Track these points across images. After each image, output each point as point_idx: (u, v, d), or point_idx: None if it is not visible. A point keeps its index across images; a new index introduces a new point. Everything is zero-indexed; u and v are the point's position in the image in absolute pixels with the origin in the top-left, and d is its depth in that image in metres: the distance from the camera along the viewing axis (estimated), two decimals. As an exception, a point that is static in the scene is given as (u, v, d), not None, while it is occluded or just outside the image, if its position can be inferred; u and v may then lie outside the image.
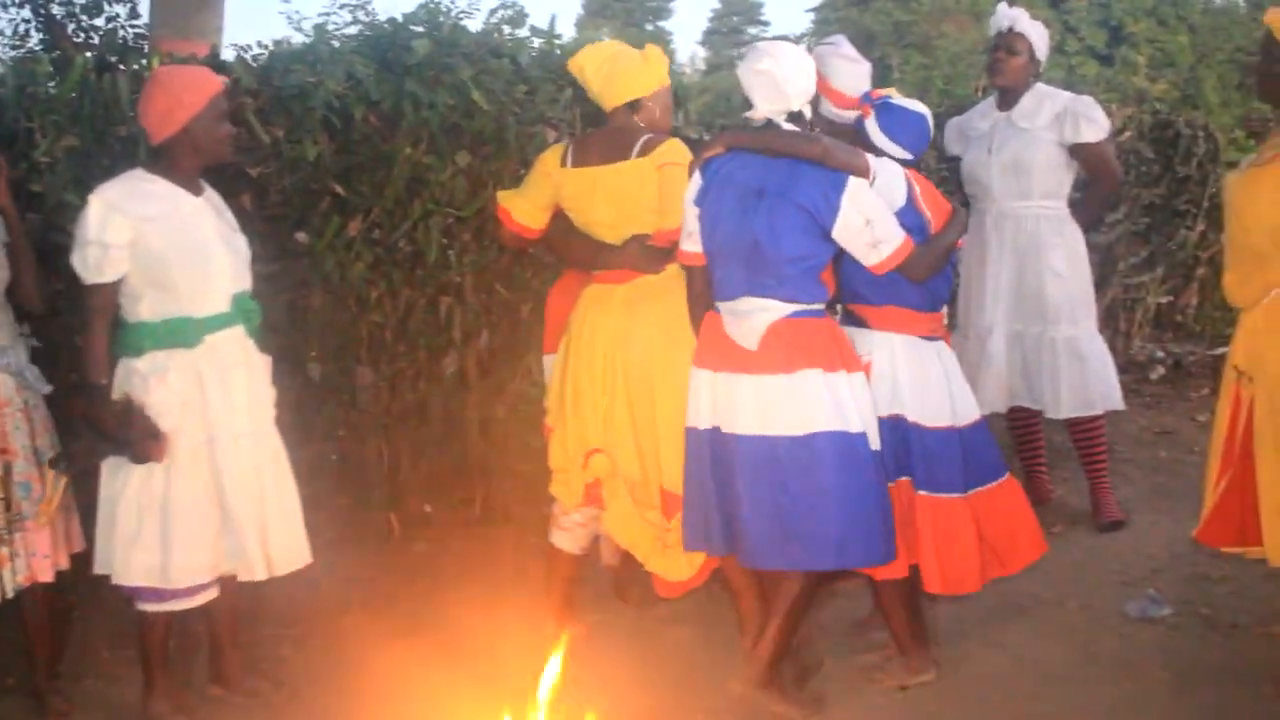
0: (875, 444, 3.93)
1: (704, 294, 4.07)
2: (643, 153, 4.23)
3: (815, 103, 4.14)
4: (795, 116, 4.00)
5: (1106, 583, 5.04)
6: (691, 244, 4.04)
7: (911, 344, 4.14)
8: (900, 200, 4.00)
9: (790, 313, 3.91)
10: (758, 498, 3.91)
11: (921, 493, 4.08)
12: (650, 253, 4.26)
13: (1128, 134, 8.21)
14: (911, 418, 4.07)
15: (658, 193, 4.22)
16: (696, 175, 4.04)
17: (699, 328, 4.09)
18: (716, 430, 3.99)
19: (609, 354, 4.31)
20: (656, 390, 4.25)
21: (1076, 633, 4.62)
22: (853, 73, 4.48)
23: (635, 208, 4.25)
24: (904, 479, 4.08)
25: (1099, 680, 4.23)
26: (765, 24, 48.89)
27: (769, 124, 4.00)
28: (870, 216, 3.88)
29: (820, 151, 3.87)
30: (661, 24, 48.56)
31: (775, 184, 3.89)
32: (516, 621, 4.52)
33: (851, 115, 4.32)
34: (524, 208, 4.47)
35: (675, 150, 4.24)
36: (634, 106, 4.33)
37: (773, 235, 3.87)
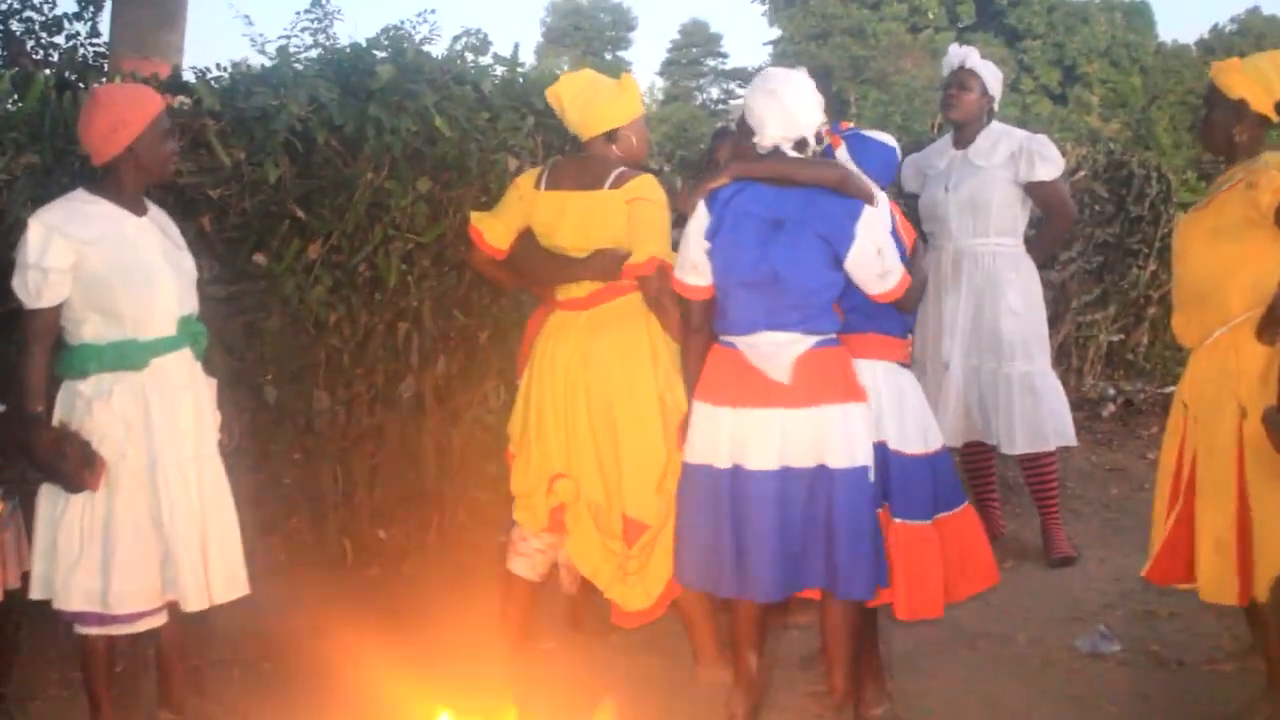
0: (872, 475, 3.97)
1: (703, 327, 4.05)
2: (615, 185, 4.26)
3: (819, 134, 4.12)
4: (801, 144, 4.00)
5: (1057, 618, 5.07)
6: (696, 277, 4.00)
7: (890, 370, 4.15)
8: (889, 227, 4.03)
9: (813, 344, 3.93)
10: (783, 530, 3.91)
11: (896, 520, 4.09)
12: (616, 260, 4.28)
13: (1082, 173, 8.31)
14: (893, 445, 4.07)
15: (627, 227, 4.24)
16: (702, 208, 3.98)
17: (695, 361, 4.07)
18: (738, 469, 3.95)
19: (570, 379, 4.32)
20: (617, 416, 4.27)
21: (1026, 667, 4.65)
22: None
23: (601, 236, 4.28)
24: (882, 506, 4.08)
25: (1048, 715, 4.26)
26: (724, 56, 49.31)
27: (776, 152, 3.99)
28: (880, 245, 3.92)
29: (841, 178, 3.90)
30: (621, 53, 48.85)
31: (793, 214, 3.89)
32: (470, 648, 4.52)
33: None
34: (496, 229, 4.50)
35: (647, 186, 4.26)
36: (611, 137, 4.36)
37: (794, 267, 3.87)
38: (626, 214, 4.24)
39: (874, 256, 3.90)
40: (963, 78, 5.68)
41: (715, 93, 48.47)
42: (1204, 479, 4.09)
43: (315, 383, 5.31)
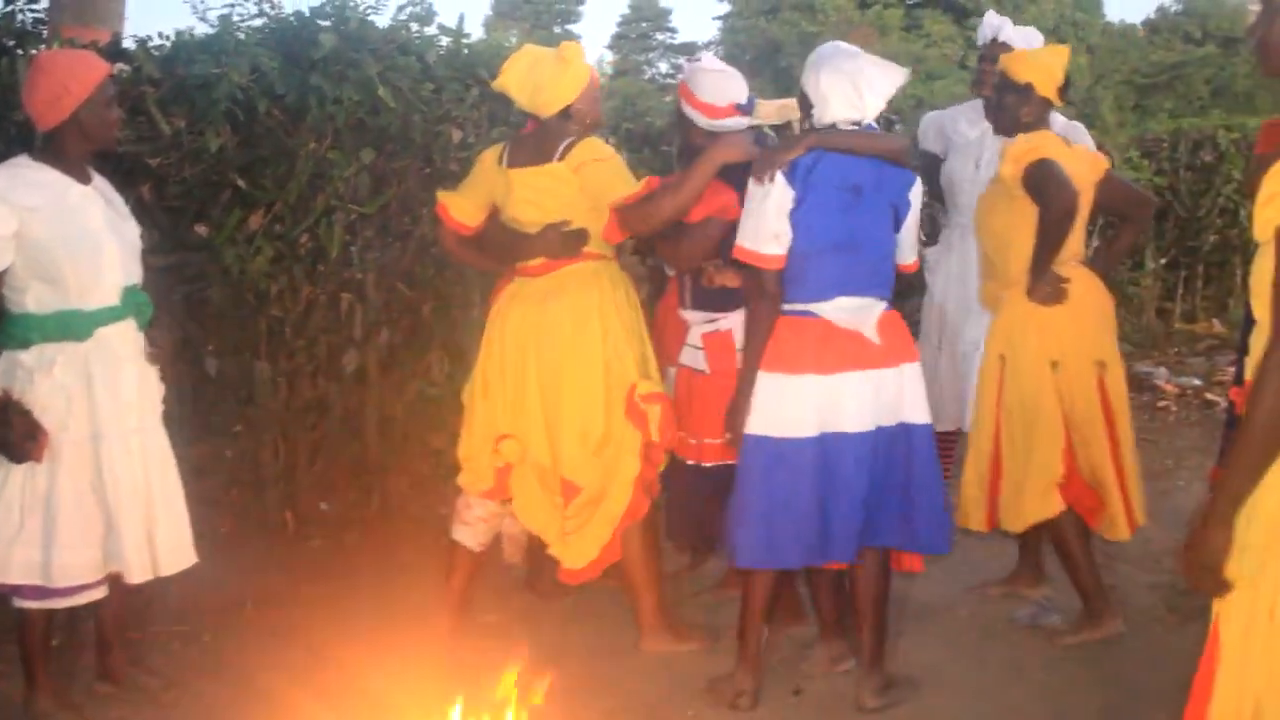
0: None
1: (778, 297, 4.02)
2: (562, 156, 4.26)
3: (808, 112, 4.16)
4: (857, 124, 4.04)
5: (995, 591, 5.11)
6: (776, 247, 3.96)
7: None
8: None
9: (885, 307, 4.08)
10: (869, 490, 3.99)
11: None
12: (566, 239, 4.29)
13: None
14: None
15: (580, 196, 4.26)
16: (782, 180, 3.95)
17: (766, 331, 4.01)
18: (827, 435, 3.96)
19: (521, 342, 4.34)
20: (564, 378, 4.28)
21: (967, 639, 4.70)
22: (717, 84, 4.60)
23: (553, 207, 4.29)
24: None
25: (989, 686, 4.30)
26: (673, 31, 49.32)
27: (834, 128, 4.02)
28: (919, 216, 4.20)
29: (902, 149, 4.12)
30: (570, 27, 48.72)
31: (868, 182, 4.00)
32: (411, 619, 4.52)
33: (725, 124, 4.54)
34: (461, 205, 4.50)
35: (590, 148, 4.27)
36: (565, 114, 4.33)
37: (872, 232, 4.02)
38: (576, 183, 4.24)
39: (915, 225, 4.17)
40: (995, 50, 5.38)
41: (664, 67, 48.43)
42: (1009, 419, 4.62)
43: (257, 354, 5.28)
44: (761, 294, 4.01)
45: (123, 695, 4.16)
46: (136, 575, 3.90)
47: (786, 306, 4.01)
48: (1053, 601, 4.94)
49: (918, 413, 4.07)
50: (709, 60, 4.70)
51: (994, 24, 5.58)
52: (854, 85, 3.98)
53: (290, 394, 5.42)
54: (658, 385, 4.42)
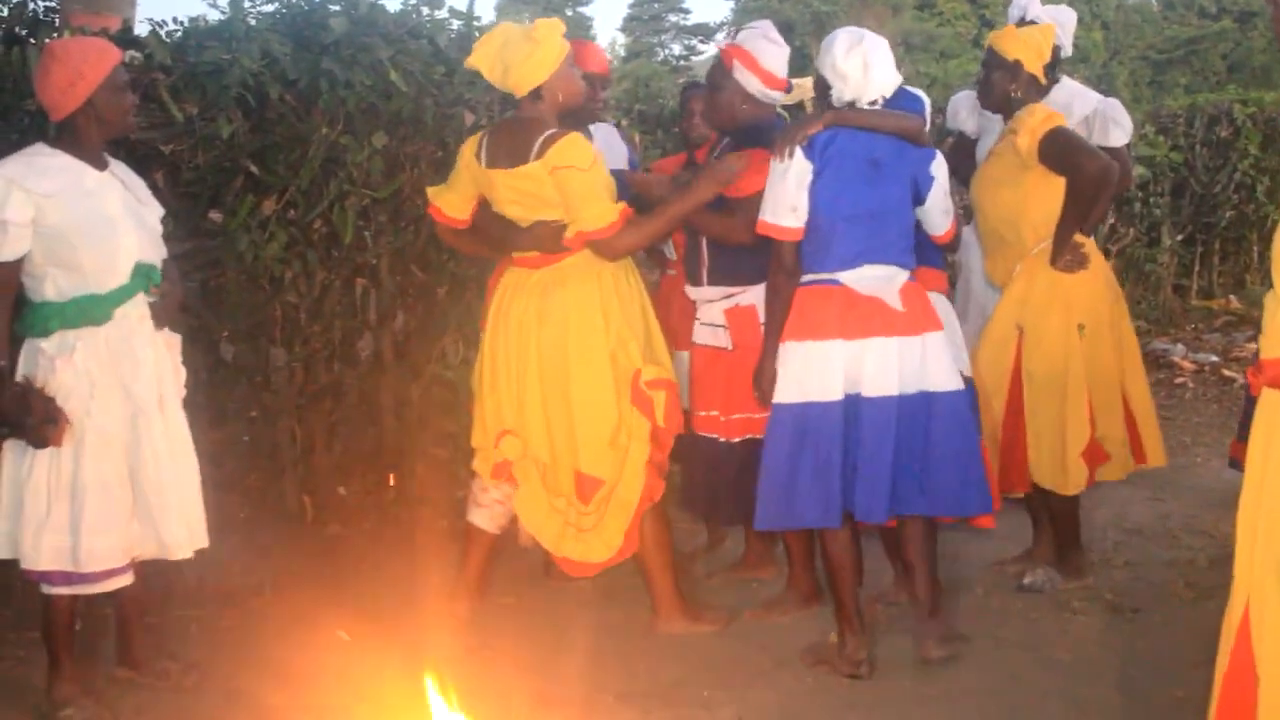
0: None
1: (795, 269, 4.12)
2: (539, 154, 4.18)
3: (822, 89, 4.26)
4: (873, 102, 4.15)
5: (1012, 569, 5.10)
6: (794, 219, 4.08)
7: (940, 300, 4.48)
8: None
9: (907, 276, 4.18)
10: (896, 454, 4.07)
11: None
12: (558, 235, 4.27)
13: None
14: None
15: (558, 195, 4.22)
16: (800, 154, 4.06)
17: (785, 302, 4.12)
18: (853, 398, 4.06)
19: (523, 337, 4.32)
20: (570, 374, 4.26)
21: (984, 616, 4.69)
22: (779, 56, 4.55)
23: (538, 207, 4.27)
24: None
25: (1004, 661, 4.29)
26: (686, 12, 49.06)
27: (851, 106, 4.13)
28: (946, 188, 4.33)
29: (918, 128, 4.22)
30: (582, 9, 48.48)
31: (887, 155, 4.13)
32: (429, 603, 4.53)
33: (775, 96, 4.52)
34: (452, 201, 4.49)
35: (568, 151, 4.18)
36: (536, 95, 4.27)
37: (893, 202, 4.16)
38: (553, 183, 4.20)
39: (943, 197, 4.32)
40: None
41: (677, 49, 48.30)
42: (1030, 382, 4.73)
43: (272, 340, 5.28)
44: (779, 266, 4.13)
45: (143, 680, 4.18)
46: (168, 553, 3.94)
47: (810, 276, 4.12)
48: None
49: (943, 381, 4.14)
50: (772, 30, 4.60)
51: (1023, 3, 5.57)
52: (865, 65, 4.09)
53: (306, 379, 5.42)
54: (664, 370, 4.41)
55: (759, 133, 4.43)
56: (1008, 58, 4.68)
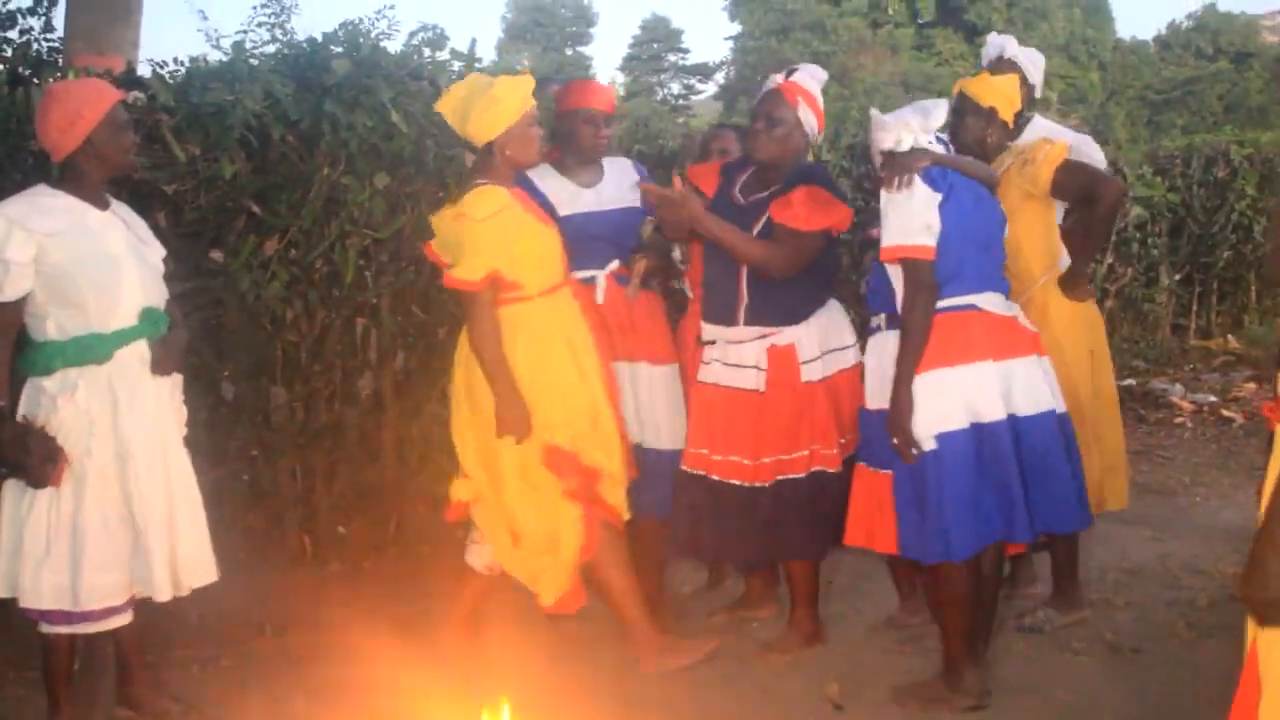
0: None
1: (935, 287, 4.08)
2: (455, 201, 4.33)
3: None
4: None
5: (1010, 609, 5.10)
6: (929, 238, 4.07)
7: None
8: None
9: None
10: (1049, 469, 4.17)
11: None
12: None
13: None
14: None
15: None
16: (921, 181, 4.09)
17: (927, 325, 4.07)
18: (1014, 417, 4.12)
19: (457, 381, 4.45)
20: (486, 422, 4.33)
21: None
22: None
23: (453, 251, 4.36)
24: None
25: (1006, 703, 4.27)
26: (685, 51, 49.37)
27: (916, 148, 4.19)
28: None
29: (993, 178, 4.44)
30: (581, 49, 48.85)
31: (983, 191, 4.28)
32: (429, 643, 4.52)
33: (817, 138, 4.74)
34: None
35: (473, 201, 4.25)
36: (489, 149, 4.32)
37: (997, 232, 4.31)
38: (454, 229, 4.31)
39: None
40: (1003, 69, 5.34)
41: (676, 88, 48.54)
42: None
43: (273, 379, 5.30)
44: (920, 286, 4.07)
45: (142, 720, 4.17)
46: (162, 593, 3.93)
47: (945, 303, 4.10)
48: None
49: (1059, 401, 4.26)
50: (818, 72, 4.69)
51: (999, 43, 5.60)
52: (924, 119, 4.25)
53: (307, 418, 5.43)
54: (582, 438, 4.40)
55: (810, 170, 4.59)
56: (983, 104, 4.72)
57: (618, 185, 4.87)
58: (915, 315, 4.06)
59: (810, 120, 4.53)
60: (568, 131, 4.83)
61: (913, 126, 4.19)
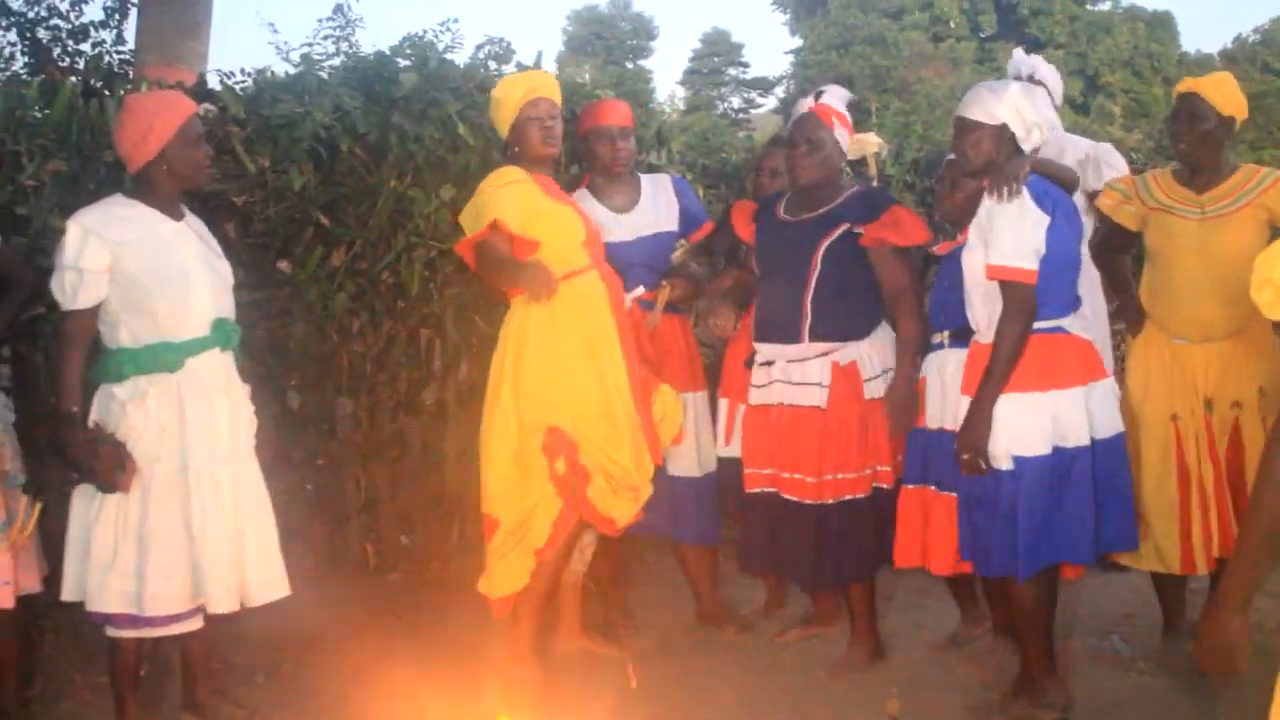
0: None
1: (1034, 312, 4.03)
2: None
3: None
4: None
5: (1078, 629, 5.05)
6: (1034, 262, 4.00)
7: None
8: None
9: None
10: (1117, 491, 4.18)
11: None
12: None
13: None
14: None
15: None
16: (1029, 198, 4.00)
17: (1019, 349, 4.01)
18: (1097, 440, 4.11)
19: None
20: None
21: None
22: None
23: None
24: None
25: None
26: (746, 65, 49.25)
27: (1031, 153, 4.16)
28: None
29: (1074, 179, 4.43)
30: (642, 62, 48.86)
31: (1072, 206, 4.20)
32: (492, 652, 4.53)
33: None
34: None
35: (486, 180, 4.43)
36: (507, 147, 4.52)
37: (1079, 249, 4.25)
38: None
39: None
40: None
41: (736, 102, 48.48)
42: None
43: (338, 389, 5.34)
44: (1019, 310, 4.00)
45: (207, 726, 4.20)
46: (220, 606, 3.95)
47: (1038, 325, 4.04)
48: (1129, 640, 4.92)
49: (1119, 422, 4.23)
50: (843, 93, 4.74)
51: (1030, 62, 5.60)
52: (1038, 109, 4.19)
53: (371, 428, 5.47)
54: (594, 424, 4.39)
55: (873, 190, 4.70)
56: (1223, 112, 4.67)
57: (653, 208, 4.93)
58: (1010, 339, 3.98)
59: (844, 138, 4.61)
60: (589, 153, 4.93)
61: (1043, 128, 4.17)
